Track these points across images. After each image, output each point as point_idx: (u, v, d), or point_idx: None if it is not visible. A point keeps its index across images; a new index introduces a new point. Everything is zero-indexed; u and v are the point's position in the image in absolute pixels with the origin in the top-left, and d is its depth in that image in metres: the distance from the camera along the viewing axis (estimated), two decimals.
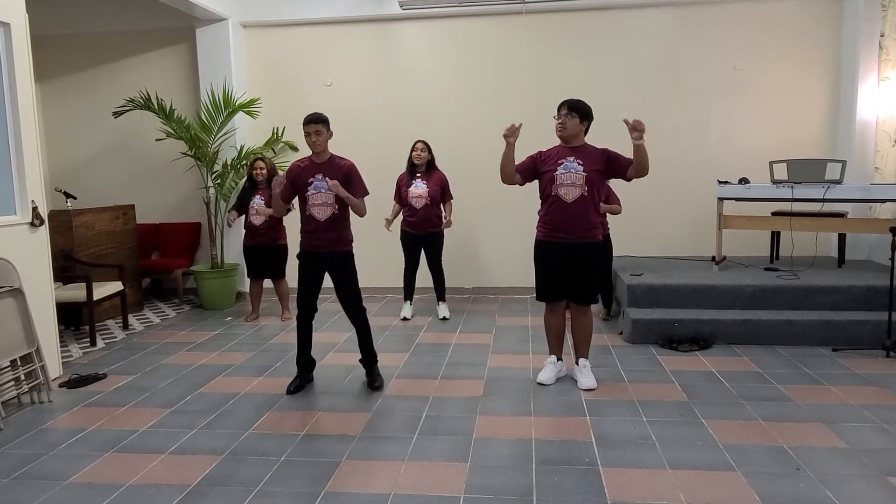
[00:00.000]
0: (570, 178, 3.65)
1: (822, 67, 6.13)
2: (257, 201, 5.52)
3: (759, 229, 5.75)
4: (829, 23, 6.07)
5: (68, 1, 6.68)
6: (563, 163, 3.68)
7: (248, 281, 6.53)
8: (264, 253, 5.61)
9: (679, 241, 6.36)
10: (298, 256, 3.89)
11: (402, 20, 6.49)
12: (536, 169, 3.78)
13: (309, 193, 3.79)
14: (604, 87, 6.17)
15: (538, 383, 3.89)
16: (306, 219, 3.85)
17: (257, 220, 5.54)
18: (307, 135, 3.74)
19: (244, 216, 5.65)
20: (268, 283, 5.90)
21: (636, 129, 3.49)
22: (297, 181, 3.83)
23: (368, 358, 4.00)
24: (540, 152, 3.82)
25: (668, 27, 6.23)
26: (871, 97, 5.84)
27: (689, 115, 6.27)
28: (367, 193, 3.94)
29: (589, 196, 3.66)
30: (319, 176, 3.78)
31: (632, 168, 3.62)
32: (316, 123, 3.73)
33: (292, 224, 5.69)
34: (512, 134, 3.68)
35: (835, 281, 4.93)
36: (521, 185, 3.87)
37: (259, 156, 5.89)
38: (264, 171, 5.57)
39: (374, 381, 3.92)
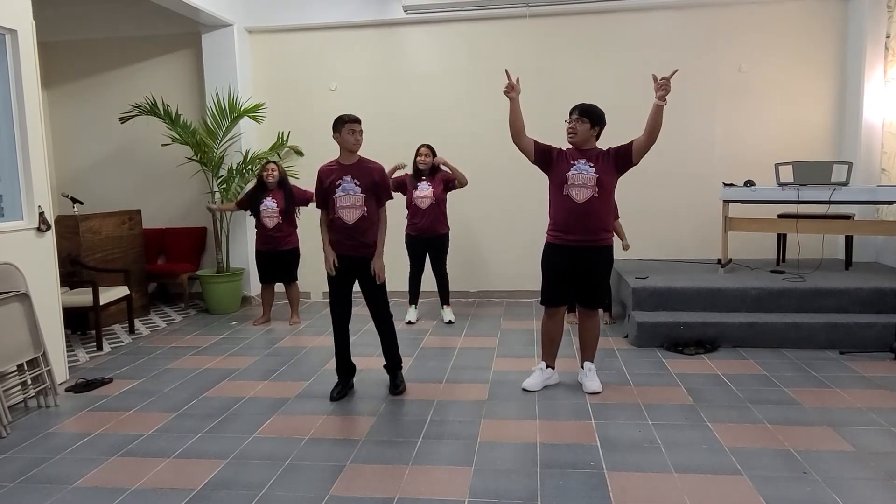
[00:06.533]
0: (582, 179, 3.63)
1: (827, 69, 6.11)
2: (268, 204, 5.52)
3: (765, 232, 5.73)
4: (834, 24, 6.05)
5: (75, 8, 6.73)
6: (574, 164, 3.66)
7: (254, 285, 6.56)
8: (277, 257, 5.60)
9: (684, 243, 6.34)
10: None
11: (406, 24, 6.51)
12: (551, 160, 3.71)
13: (336, 196, 3.71)
14: (608, 89, 6.16)
15: (523, 389, 3.86)
16: (334, 222, 3.77)
17: (270, 223, 5.53)
18: (351, 132, 3.67)
19: (255, 219, 5.62)
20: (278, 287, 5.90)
21: (663, 88, 3.47)
22: (324, 184, 3.76)
23: (393, 363, 3.98)
24: (559, 149, 3.76)
25: (672, 29, 6.22)
26: (877, 98, 5.81)
27: (694, 117, 6.25)
28: (391, 198, 3.93)
29: (600, 197, 3.64)
30: (348, 178, 3.71)
31: (639, 142, 3.57)
32: (360, 123, 3.71)
33: (303, 228, 5.75)
34: (512, 90, 3.67)
35: (842, 283, 4.90)
36: (531, 158, 3.74)
37: (271, 159, 5.89)
38: (275, 174, 5.56)
39: (397, 387, 3.90)
